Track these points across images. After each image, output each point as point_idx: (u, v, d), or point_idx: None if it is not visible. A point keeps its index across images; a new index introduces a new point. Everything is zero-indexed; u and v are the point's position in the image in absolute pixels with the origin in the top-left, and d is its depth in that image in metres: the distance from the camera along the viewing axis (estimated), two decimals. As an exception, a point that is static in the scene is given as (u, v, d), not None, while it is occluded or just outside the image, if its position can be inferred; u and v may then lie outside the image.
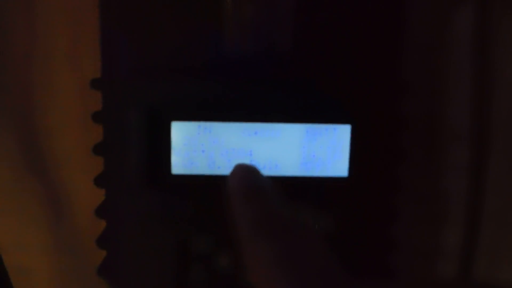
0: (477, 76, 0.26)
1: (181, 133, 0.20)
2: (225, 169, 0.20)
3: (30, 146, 0.28)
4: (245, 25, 0.19)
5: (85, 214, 0.28)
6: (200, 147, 0.20)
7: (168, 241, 0.21)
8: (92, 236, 0.26)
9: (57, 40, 0.26)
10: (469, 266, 0.27)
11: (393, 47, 0.21)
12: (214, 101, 0.20)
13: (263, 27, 0.19)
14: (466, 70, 0.26)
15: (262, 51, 0.20)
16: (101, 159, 0.22)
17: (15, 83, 0.27)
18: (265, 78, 0.20)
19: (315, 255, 0.14)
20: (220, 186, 0.19)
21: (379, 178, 0.21)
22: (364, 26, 0.20)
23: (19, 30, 0.26)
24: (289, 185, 0.20)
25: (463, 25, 0.26)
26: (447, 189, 0.26)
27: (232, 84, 0.20)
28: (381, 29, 0.20)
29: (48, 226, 0.29)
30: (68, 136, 0.27)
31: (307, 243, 0.14)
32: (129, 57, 0.20)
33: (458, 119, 0.26)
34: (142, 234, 0.21)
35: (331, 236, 0.20)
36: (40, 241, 0.29)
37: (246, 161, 0.20)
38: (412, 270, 0.26)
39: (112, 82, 0.20)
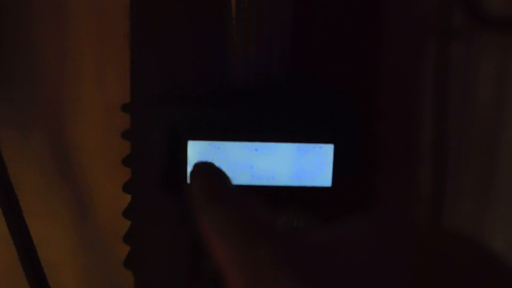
0: (438, 102, 0.29)
1: (195, 150, 0.22)
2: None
3: (60, 156, 0.30)
4: (248, 63, 0.22)
5: (107, 215, 0.31)
6: (211, 161, 0.22)
7: (183, 237, 0.23)
8: (113, 235, 0.28)
9: (87, 62, 0.28)
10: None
11: (369, 80, 0.24)
12: (222, 124, 0.22)
13: (262, 66, 0.22)
14: (430, 97, 0.29)
15: (261, 85, 0.22)
16: (121, 168, 0.24)
17: (48, 100, 0.29)
18: (264, 106, 0.22)
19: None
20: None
21: (357, 187, 0.23)
22: (343, 64, 0.23)
23: (52, 51, 0.28)
24: (283, 193, 0.23)
25: (429, 60, 0.29)
26: (415, 195, 0.30)
27: (237, 111, 0.22)
28: (356, 65, 0.23)
29: (75, 226, 0.31)
30: (94, 147, 0.29)
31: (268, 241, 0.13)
32: (154, 87, 0.23)
33: (424, 137, 0.30)
34: (161, 232, 0.23)
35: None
36: (67, 239, 0.31)
37: (248, 173, 0.22)
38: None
39: (139, 107, 0.23)
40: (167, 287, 0.24)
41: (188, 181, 0.22)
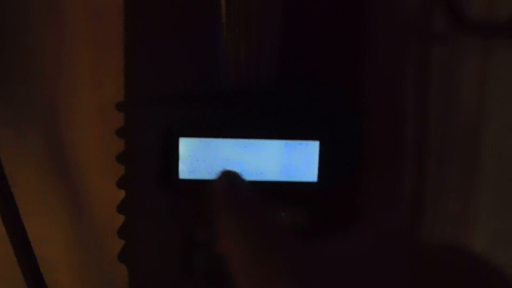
0: (422, 102, 0.30)
1: (187, 146, 0.23)
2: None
3: (55, 154, 0.30)
4: (239, 64, 0.23)
5: (102, 212, 0.31)
6: (201, 158, 0.23)
7: (175, 232, 0.24)
8: (108, 231, 0.28)
9: (82, 62, 0.29)
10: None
11: (355, 80, 0.24)
12: (213, 122, 0.23)
13: (253, 67, 0.23)
14: (414, 98, 0.30)
15: (251, 85, 0.23)
16: (115, 165, 0.25)
17: (44, 99, 0.29)
18: (253, 105, 0.23)
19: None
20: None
21: (342, 183, 0.24)
22: (330, 65, 0.24)
23: (48, 52, 0.29)
24: (271, 188, 0.23)
25: (413, 62, 0.30)
26: (399, 193, 0.31)
27: (227, 110, 0.23)
28: (342, 66, 0.24)
29: (71, 222, 0.31)
30: (89, 145, 0.30)
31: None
32: (147, 87, 0.23)
33: (407, 136, 0.31)
34: (154, 227, 0.24)
35: (303, 228, 0.24)
36: (63, 236, 0.31)
37: (237, 169, 0.22)
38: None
39: (133, 106, 0.23)
40: (160, 281, 0.25)
41: (180, 176, 0.24)
